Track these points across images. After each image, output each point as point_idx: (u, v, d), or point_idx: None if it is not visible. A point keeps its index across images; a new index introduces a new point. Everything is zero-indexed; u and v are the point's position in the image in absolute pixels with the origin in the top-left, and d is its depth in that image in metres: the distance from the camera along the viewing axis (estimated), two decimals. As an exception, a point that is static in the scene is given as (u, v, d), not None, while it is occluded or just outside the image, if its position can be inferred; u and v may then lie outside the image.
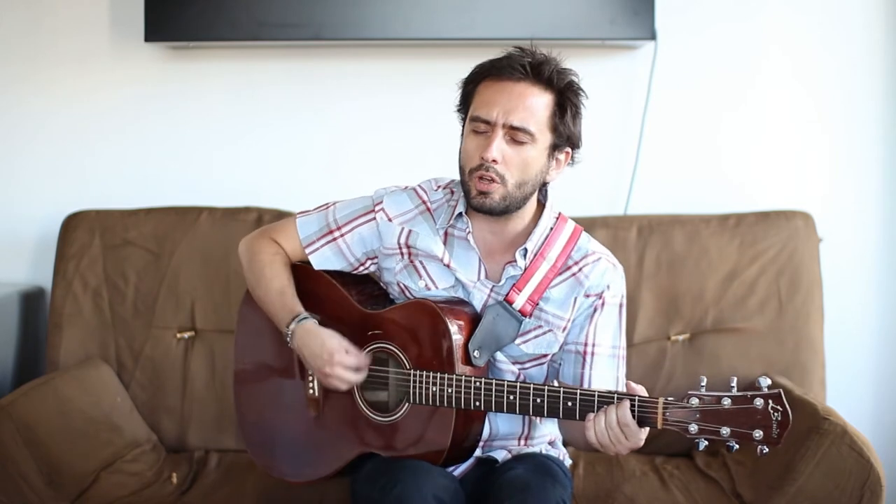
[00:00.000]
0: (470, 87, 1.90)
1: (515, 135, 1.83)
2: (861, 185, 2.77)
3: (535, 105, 1.83)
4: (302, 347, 1.93)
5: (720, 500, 2.21)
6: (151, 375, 2.57)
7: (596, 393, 1.74)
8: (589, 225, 2.51)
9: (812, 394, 2.44)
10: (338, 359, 1.89)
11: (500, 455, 1.97)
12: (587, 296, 1.93)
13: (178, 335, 2.59)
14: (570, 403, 1.76)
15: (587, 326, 1.93)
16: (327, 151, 2.82)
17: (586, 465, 2.38)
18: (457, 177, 1.96)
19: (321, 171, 2.82)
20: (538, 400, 1.78)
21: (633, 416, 1.70)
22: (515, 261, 1.92)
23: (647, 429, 1.72)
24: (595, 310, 1.93)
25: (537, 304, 1.92)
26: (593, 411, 1.74)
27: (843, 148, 2.77)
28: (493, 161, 1.83)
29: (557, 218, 1.98)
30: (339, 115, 2.81)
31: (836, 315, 2.67)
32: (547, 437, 2.05)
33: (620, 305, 1.96)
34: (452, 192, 2.00)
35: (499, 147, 1.83)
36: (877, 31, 2.73)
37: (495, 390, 1.81)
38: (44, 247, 2.79)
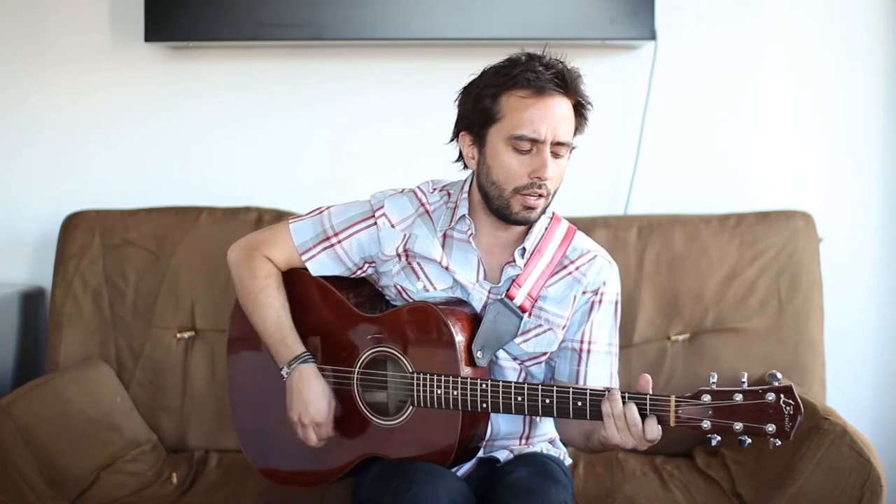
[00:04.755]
0: (488, 102, 1.83)
1: (558, 150, 1.83)
2: (861, 185, 2.77)
3: (570, 118, 1.84)
4: (294, 388, 1.94)
5: (720, 500, 2.20)
6: (151, 375, 2.57)
7: (606, 392, 1.73)
8: (589, 225, 2.51)
9: (812, 394, 2.44)
10: (319, 420, 1.93)
11: (503, 455, 1.97)
12: (584, 293, 1.94)
13: (178, 335, 2.59)
14: (579, 403, 1.75)
15: (584, 324, 1.94)
16: (327, 151, 2.82)
17: (586, 465, 2.38)
18: (453, 179, 1.97)
19: (321, 171, 2.82)
20: (547, 401, 1.77)
21: (645, 415, 1.69)
22: (514, 261, 1.93)
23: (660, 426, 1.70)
24: (592, 307, 1.94)
25: (536, 302, 1.93)
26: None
27: (843, 148, 2.77)
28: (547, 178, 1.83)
29: (552, 218, 1.99)
30: (339, 115, 2.81)
31: (836, 315, 2.67)
32: (547, 435, 2.06)
33: (616, 303, 1.98)
34: (449, 195, 1.99)
35: (551, 165, 1.82)
36: (877, 31, 2.73)
37: (502, 392, 1.80)
38: (44, 247, 2.78)
